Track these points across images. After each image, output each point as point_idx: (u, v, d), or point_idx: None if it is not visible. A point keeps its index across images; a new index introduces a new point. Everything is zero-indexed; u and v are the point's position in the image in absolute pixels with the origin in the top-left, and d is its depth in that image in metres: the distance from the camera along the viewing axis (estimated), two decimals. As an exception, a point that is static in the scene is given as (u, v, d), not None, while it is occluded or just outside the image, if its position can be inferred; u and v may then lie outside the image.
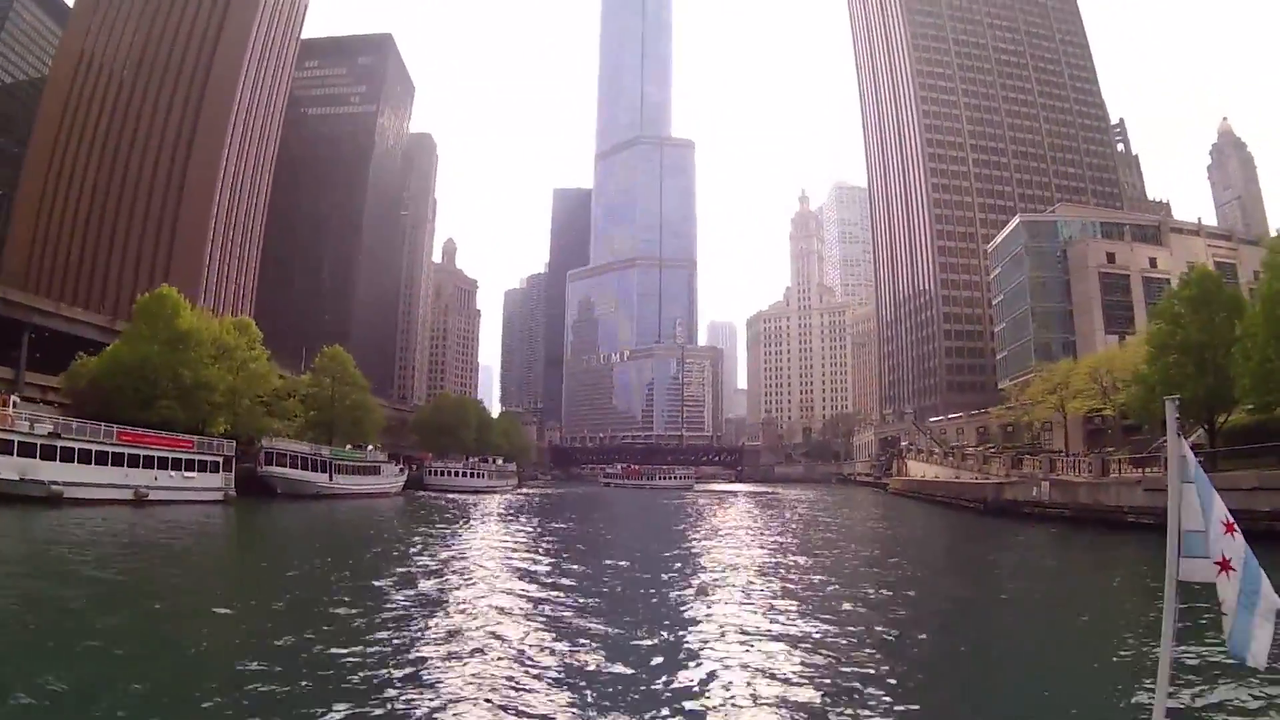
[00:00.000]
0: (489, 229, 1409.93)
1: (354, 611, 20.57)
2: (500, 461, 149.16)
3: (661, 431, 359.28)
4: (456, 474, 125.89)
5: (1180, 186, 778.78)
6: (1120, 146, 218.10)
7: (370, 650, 15.86)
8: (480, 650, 16.21)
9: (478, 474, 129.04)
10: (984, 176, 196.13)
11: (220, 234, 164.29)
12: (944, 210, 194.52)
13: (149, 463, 57.66)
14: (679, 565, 33.35)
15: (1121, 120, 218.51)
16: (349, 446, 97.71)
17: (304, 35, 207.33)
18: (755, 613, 21.08)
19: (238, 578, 30.25)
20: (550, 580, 27.64)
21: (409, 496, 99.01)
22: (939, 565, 39.59)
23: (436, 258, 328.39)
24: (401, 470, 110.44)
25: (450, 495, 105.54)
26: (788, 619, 20.23)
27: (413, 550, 38.01)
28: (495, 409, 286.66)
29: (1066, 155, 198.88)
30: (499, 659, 15.57)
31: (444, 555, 35.76)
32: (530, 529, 54.38)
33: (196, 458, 62.36)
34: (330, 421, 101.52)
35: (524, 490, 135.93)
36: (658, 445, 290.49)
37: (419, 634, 17.95)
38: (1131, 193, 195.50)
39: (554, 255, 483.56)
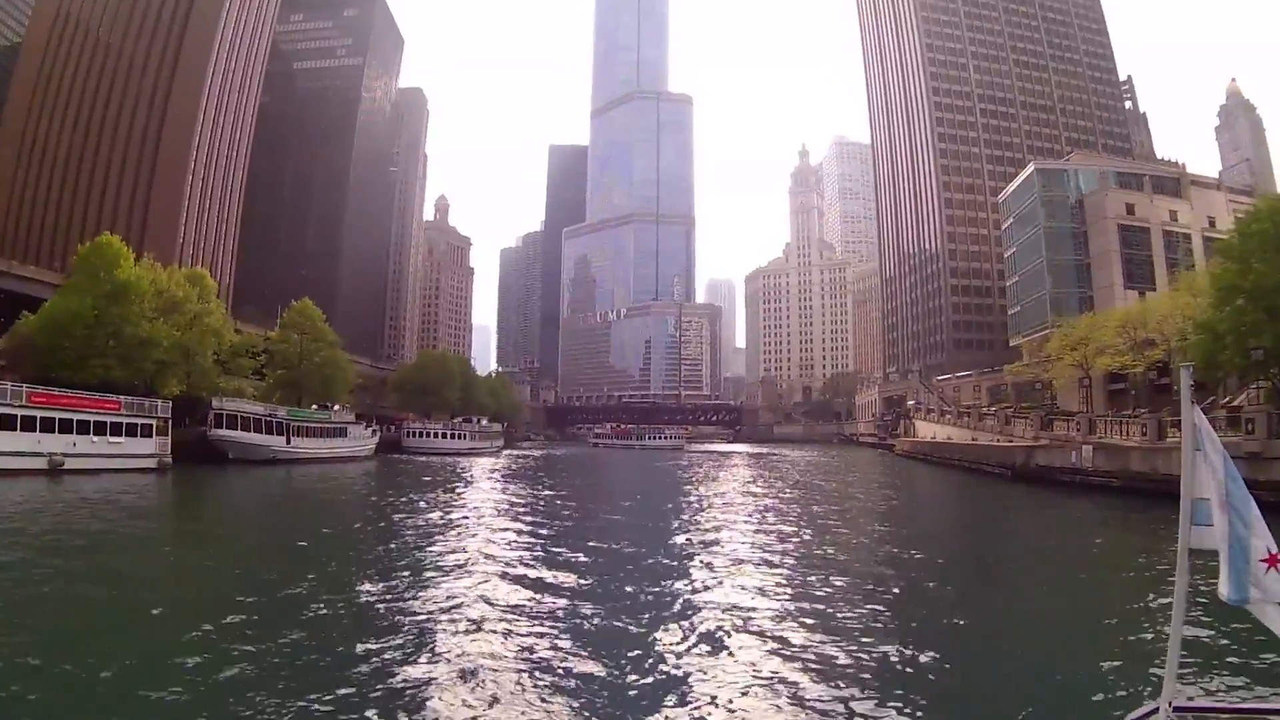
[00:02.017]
0: (485, 187, 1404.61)
1: (283, 604, 18.56)
2: (485, 422, 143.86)
3: (659, 390, 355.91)
4: (436, 435, 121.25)
5: (1188, 148, 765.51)
6: (1129, 104, 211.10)
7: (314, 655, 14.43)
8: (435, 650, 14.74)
9: (459, 435, 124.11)
10: (992, 128, 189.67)
11: (198, 192, 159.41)
12: (950, 162, 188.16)
13: (66, 427, 52.64)
14: (672, 551, 28.63)
15: (1130, 77, 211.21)
16: (314, 407, 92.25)
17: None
18: (775, 621, 17.34)
19: (166, 566, 25.57)
20: (515, 561, 25.14)
21: (382, 460, 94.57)
22: (984, 548, 33.44)
23: (429, 215, 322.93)
24: (374, 432, 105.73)
25: (427, 458, 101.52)
26: (812, 630, 16.45)
27: (358, 524, 36.01)
28: (493, 369, 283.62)
29: (1076, 109, 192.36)
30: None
31: (384, 531, 32.87)
32: (500, 499, 50.00)
33: (125, 420, 57.29)
34: (298, 380, 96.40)
35: (510, 452, 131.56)
36: (655, 404, 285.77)
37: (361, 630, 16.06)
38: (1141, 151, 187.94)
39: (550, 213, 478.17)
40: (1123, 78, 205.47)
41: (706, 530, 34.14)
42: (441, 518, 38.97)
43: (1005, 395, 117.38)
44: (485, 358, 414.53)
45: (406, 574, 23.04)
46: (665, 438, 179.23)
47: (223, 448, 70.66)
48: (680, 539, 31.61)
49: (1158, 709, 4.87)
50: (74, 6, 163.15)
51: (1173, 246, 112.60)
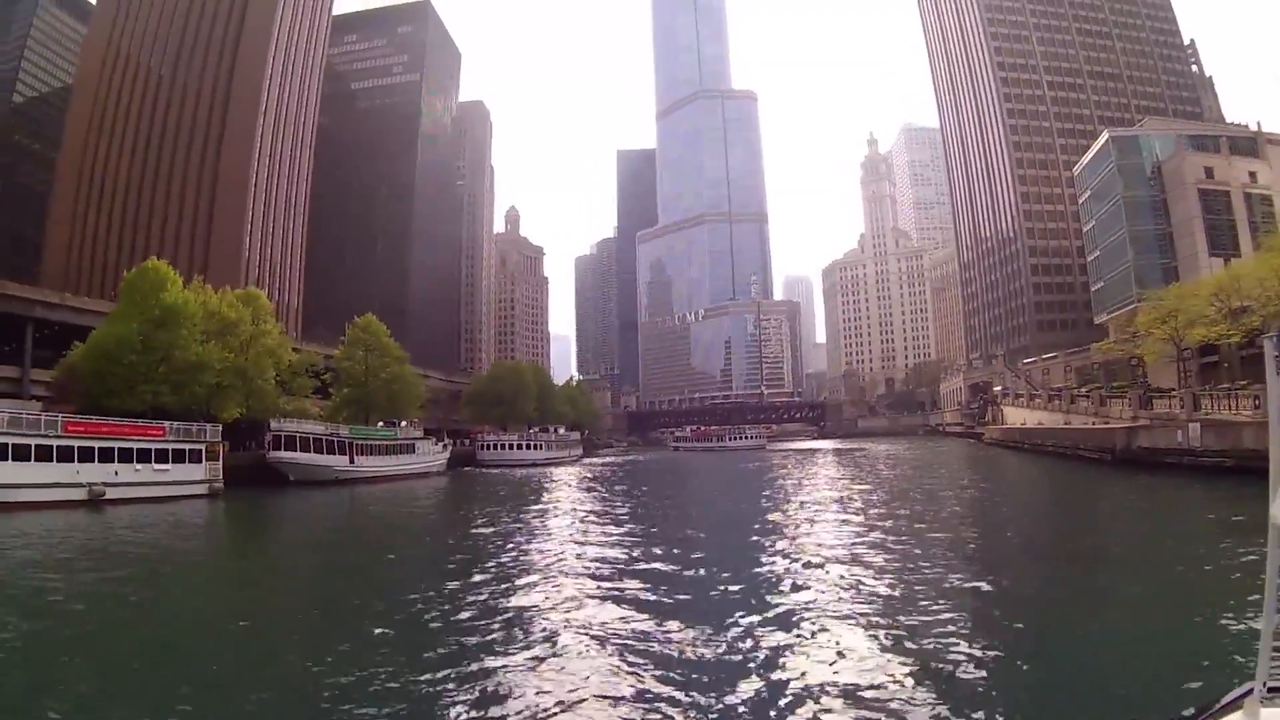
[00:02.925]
0: (555, 196, 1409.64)
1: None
2: (562, 431, 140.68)
3: (741, 390, 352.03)
4: (510, 447, 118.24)
5: (1256, 109, 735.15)
6: (1194, 68, 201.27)
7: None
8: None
9: (534, 445, 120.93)
10: (1060, 100, 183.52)
11: (260, 216, 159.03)
12: (1021, 138, 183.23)
13: (106, 456, 49.74)
14: (766, 561, 25.43)
15: (1192, 41, 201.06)
16: (380, 424, 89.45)
17: (339, 10, 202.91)
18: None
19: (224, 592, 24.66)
20: (588, 575, 23.62)
21: (455, 476, 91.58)
22: (1087, 538, 29.99)
23: (499, 227, 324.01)
24: (444, 447, 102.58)
25: (501, 471, 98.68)
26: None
27: (423, 543, 35.32)
28: (573, 377, 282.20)
29: (1143, 76, 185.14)
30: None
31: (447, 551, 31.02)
32: (574, 511, 46.27)
33: (171, 446, 54.28)
34: (365, 398, 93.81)
35: (589, 460, 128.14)
36: (737, 405, 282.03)
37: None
38: (1211, 115, 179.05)
39: (622, 219, 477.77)
40: (1185, 42, 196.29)
41: (795, 535, 31.39)
42: (509, 534, 36.26)
43: (1094, 376, 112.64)
44: (566, 366, 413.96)
45: (475, 593, 21.52)
46: (746, 438, 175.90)
47: (283, 470, 67.91)
48: (771, 545, 28.90)
49: (1251, 690, 4.33)
50: (124, 41, 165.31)
51: (1254, 209, 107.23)
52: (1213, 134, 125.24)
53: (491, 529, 38.79)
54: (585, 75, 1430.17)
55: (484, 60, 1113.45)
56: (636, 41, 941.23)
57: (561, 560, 26.62)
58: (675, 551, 27.51)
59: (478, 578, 23.91)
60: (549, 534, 36.04)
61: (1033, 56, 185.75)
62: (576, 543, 31.07)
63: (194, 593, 24.45)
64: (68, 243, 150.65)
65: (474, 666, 13.92)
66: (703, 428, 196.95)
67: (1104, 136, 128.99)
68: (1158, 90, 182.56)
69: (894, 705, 11.45)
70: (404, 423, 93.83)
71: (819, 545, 27.58)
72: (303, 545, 38.24)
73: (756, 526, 35.10)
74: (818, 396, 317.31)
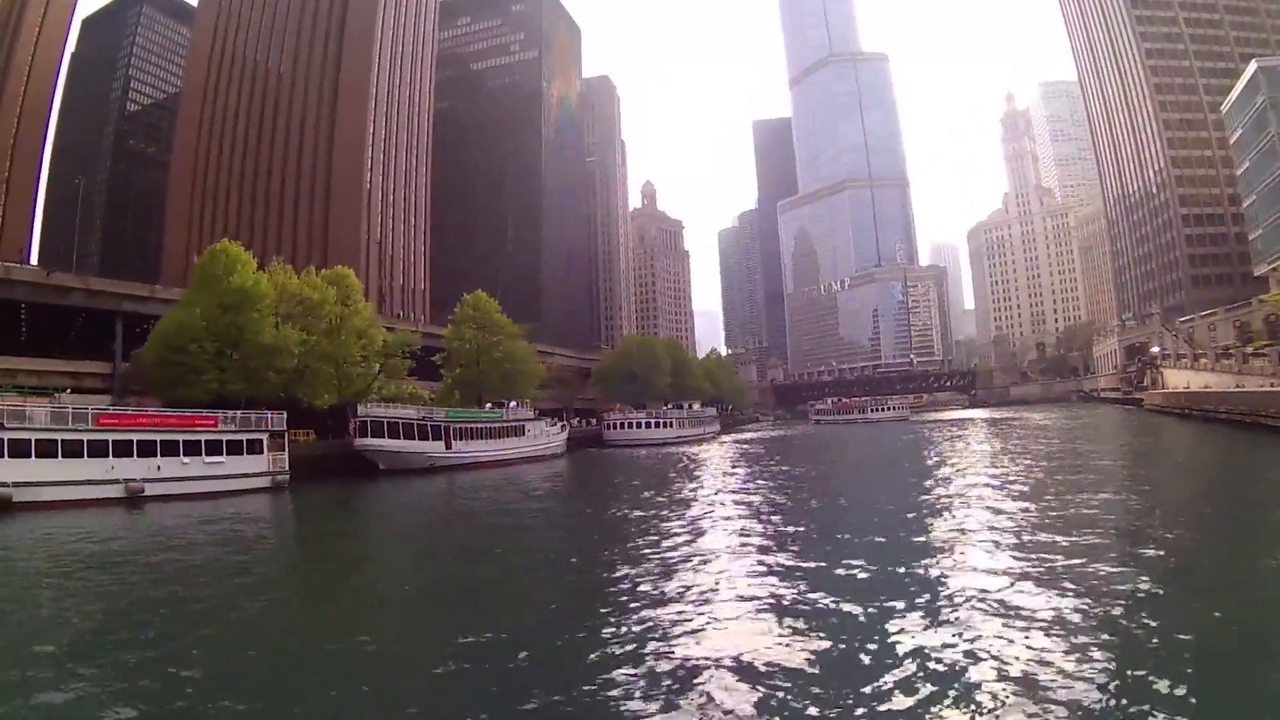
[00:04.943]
0: (693, 171, 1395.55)
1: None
2: (696, 407, 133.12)
3: (890, 359, 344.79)
4: (638, 425, 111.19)
5: None
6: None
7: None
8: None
9: (664, 423, 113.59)
10: (1199, 38, 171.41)
11: (379, 206, 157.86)
12: (1162, 79, 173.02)
13: (147, 449, 44.72)
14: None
15: None
16: (489, 405, 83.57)
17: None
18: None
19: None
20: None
21: (576, 458, 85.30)
22: None
23: (635, 202, 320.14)
24: (562, 427, 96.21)
25: (629, 451, 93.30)
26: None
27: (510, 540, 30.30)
28: (721, 351, 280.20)
29: None
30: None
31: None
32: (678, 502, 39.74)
33: (226, 437, 48.75)
34: (477, 378, 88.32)
35: (728, 437, 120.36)
36: (886, 374, 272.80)
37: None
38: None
39: (762, 189, 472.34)
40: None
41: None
42: (608, 530, 32.11)
43: (1256, 333, 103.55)
44: (714, 341, 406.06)
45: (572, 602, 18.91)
46: (889, 409, 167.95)
47: (372, 458, 62.44)
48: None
49: None
50: (227, 43, 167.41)
51: None
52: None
53: (592, 524, 34.60)
54: (715, 47, 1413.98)
55: (609, 38, 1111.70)
56: (764, 8, 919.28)
57: (670, 568, 22.03)
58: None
59: (574, 583, 21.69)
60: (647, 531, 29.85)
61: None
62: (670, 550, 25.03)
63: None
64: (185, 244, 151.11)
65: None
66: (843, 400, 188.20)
67: (1252, 67, 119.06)
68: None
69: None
70: (513, 403, 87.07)
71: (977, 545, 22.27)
72: (368, 543, 33.13)
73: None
74: (968, 364, 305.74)
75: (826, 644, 14.10)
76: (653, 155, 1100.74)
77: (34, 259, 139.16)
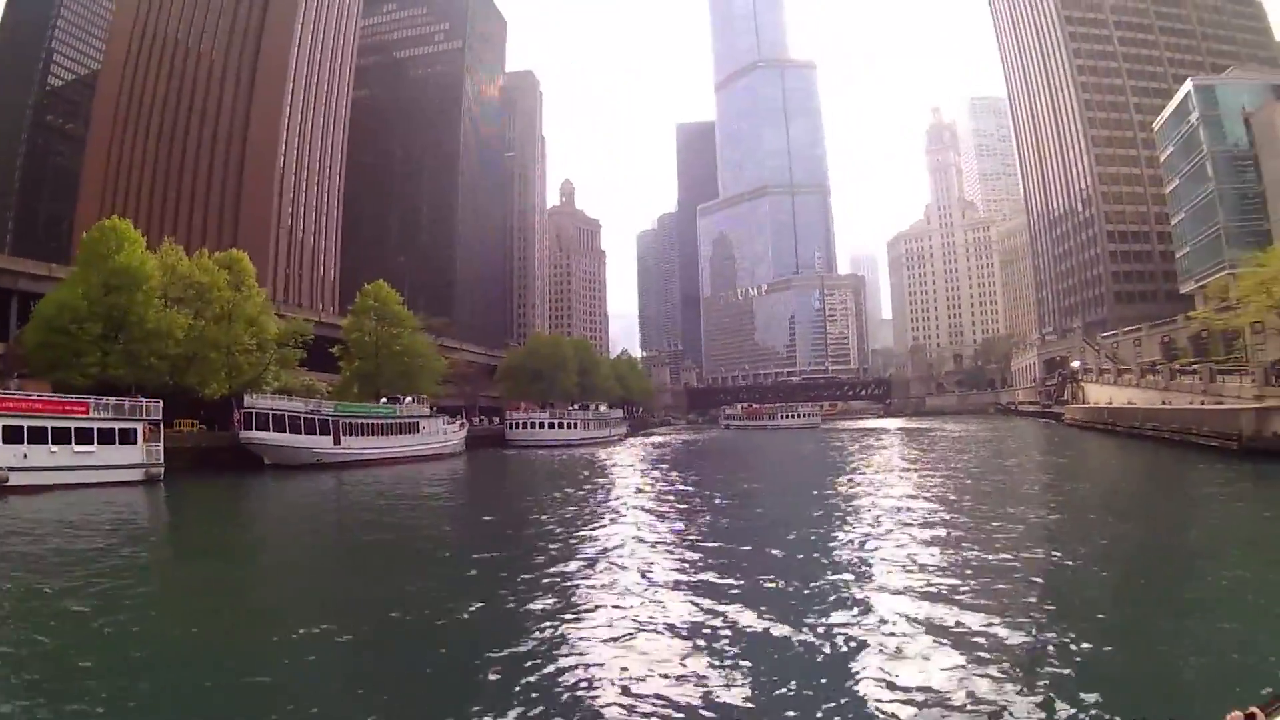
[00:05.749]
0: (615, 172, 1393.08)
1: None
2: (604, 408, 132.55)
3: (806, 367, 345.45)
4: (541, 426, 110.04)
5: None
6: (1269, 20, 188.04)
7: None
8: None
9: (569, 424, 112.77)
10: (1132, 57, 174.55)
11: (291, 193, 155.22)
12: (1093, 96, 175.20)
13: (13, 435, 42.77)
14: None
15: None
16: (383, 400, 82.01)
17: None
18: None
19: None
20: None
21: (474, 458, 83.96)
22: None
23: (553, 200, 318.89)
24: (461, 425, 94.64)
25: (530, 453, 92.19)
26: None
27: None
28: (635, 354, 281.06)
29: (1218, 32, 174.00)
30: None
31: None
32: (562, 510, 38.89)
33: (96, 425, 46.94)
34: (375, 372, 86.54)
35: (635, 440, 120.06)
36: (801, 382, 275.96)
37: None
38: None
39: (683, 192, 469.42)
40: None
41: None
42: (490, 535, 31.47)
43: (1181, 350, 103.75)
44: (630, 343, 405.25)
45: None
46: (799, 415, 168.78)
47: (257, 452, 60.87)
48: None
49: None
50: (150, 22, 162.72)
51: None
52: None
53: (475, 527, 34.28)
54: (643, 47, 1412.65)
55: (535, 32, 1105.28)
56: (694, 10, 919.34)
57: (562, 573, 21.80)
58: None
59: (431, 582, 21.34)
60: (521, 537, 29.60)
61: (1102, 9, 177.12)
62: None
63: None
64: (96, 219, 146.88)
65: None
66: (753, 406, 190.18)
67: (1186, 86, 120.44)
68: (1233, 49, 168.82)
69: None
70: (409, 399, 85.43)
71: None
72: (224, 544, 31.47)
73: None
74: (884, 373, 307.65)
75: (725, 651, 13.91)
76: (574, 154, 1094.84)
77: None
